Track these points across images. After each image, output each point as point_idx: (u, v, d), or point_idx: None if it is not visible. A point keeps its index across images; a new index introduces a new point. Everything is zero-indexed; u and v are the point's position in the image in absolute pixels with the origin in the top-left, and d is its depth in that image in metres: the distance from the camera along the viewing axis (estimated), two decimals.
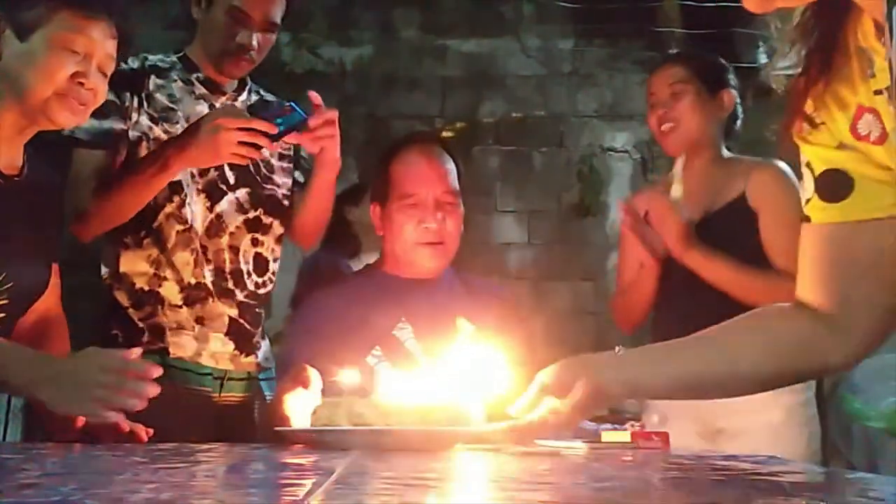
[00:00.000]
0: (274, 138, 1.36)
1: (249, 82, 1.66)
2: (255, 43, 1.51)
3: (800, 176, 0.90)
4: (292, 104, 1.40)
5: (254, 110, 1.43)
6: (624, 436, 1.13)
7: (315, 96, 1.41)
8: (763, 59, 3.80)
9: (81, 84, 1.22)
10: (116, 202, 1.44)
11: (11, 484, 0.53)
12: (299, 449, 0.96)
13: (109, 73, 1.28)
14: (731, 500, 0.52)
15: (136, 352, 1.11)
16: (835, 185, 0.84)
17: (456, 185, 1.52)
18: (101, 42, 1.23)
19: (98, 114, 1.40)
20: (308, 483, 0.62)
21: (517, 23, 4.22)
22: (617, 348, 0.96)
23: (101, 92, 1.26)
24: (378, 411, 0.95)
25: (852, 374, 3.12)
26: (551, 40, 4.19)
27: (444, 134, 3.98)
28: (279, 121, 1.35)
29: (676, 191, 1.57)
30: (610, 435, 1.16)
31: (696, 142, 1.65)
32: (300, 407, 1.04)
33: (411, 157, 1.50)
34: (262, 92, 1.69)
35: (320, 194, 1.56)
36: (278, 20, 1.55)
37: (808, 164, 0.87)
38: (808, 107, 0.85)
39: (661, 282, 1.69)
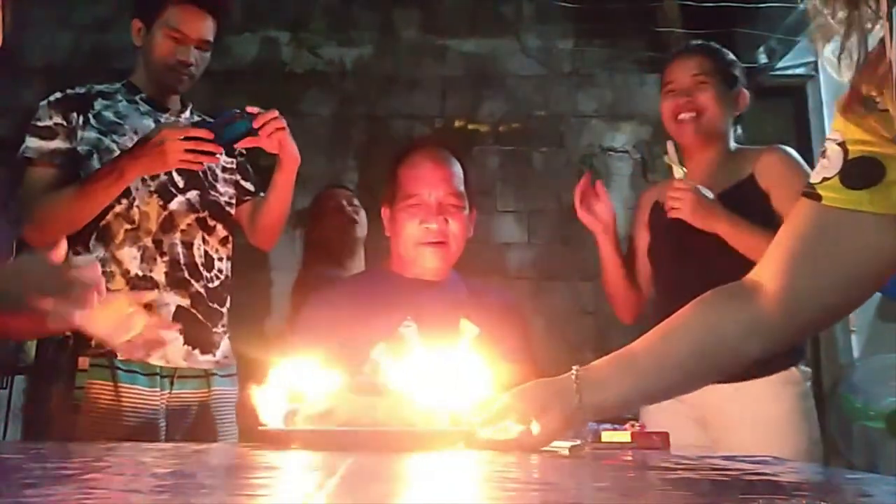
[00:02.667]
0: (220, 144, 1.51)
1: (190, 104, 1.83)
2: (192, 60, 1.70)
3: (820, 151, 0.87)
4: (235, 112, 1.55)
5: (199, 126, 1.58)
6: (624, 436, 1.14)
7: (253, 109, 1.57)
8: (763, 59, 3.80)
9: None
10: (74, 208, 1.56)
11: (11, 484, 0.53)
12: (297, 449, 0.96)
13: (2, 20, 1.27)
14: (731, 500, 0.52)
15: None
16: (865, 173, 0.81)
17: (461, 187, 1.54)
18: None
19: (45, 135, 1.62)
20: (310, 483, 0.62)
21: (517, 23, 4.22)
22: (574, 368, 0.96)
23: None
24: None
25: (852, 374, 3.13)
26: (551, 40, 4.19)
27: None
28: (227, 129, 1.51)
29: (678, 172, 1.62)
30: (610, 435, 1.16)
31: (712, 133, 1.69)
32: (269, 404, 1.04)
33: (416, 161, 1.55)
34: (202, 115, 1.85)
35: (279, 193, 1.70)
36: (210, 38, 1.73)
37: (841, 144, 0.83)
38: (874, 89, 0.78)
39: (658, 272, 1.76)
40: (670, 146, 1.66)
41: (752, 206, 1.60)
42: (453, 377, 1.03)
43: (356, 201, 2.59)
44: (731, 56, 1.79)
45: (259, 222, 1.78)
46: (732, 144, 1.75)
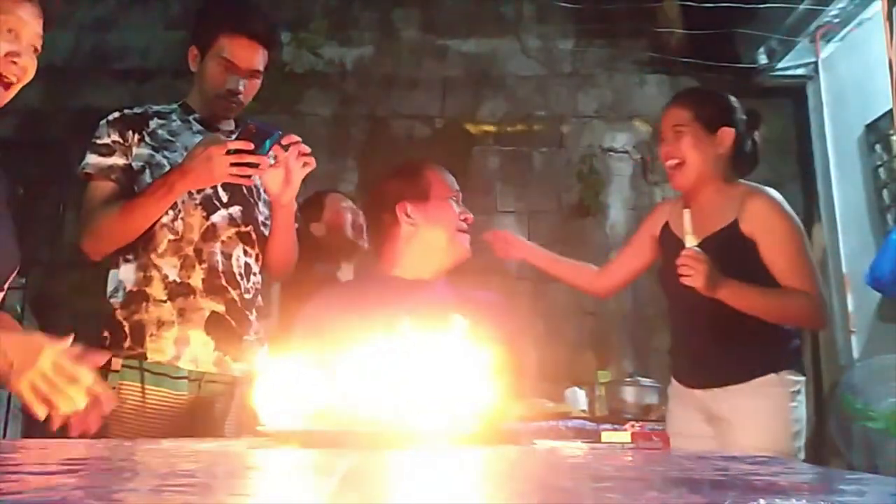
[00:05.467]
0: (260, 154, 1.55)
1: (242, 125, 1.86)
2: (241, 88, 1.74)
3: None
4: (270, 126, 1.60)
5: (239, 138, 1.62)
6: (624, 436, 1.14)
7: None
8: (763, 59, 3.81)
9: (14, 63, 1.27)
10: (127, 220, 1.63)
11: (11, 483, 0.53)
12: (296, 448, 0.96)
13: (39, 51, 1.32)
14: (731, 500, 0.52)
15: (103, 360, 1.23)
16: None
17: None
18: (29, 21, 1.28)
19: (103, 151, 1.69)
20: (310, 483, 0.63)
21: (517, 23, 4.23)
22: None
23: (31, 69, 1.31)
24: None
25: (852, 375, 3.13)
26: (551, 40, 4.19)
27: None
28: (264, 140, 1.56)
29: (690, 241, 1.72)
30: (610, 435, 1.16)
31: (699, 175, 1.82)
32: (268, 403, 1.04)
33: (440, 169, 1.71)
34: None
35: (280, 234, 1.76)
36: (261, 68, 1.77)
37: None
38: None
39: (669, 297, 1.92)
40: (686, 214, 1.75)
41: (735, 253, 1.74)
42: (450, 375, 1.03)
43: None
44: (718, 98, 1.90)
45: (266, 255, 1.81)
46: (730, 179, 1.84)
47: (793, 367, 1.78)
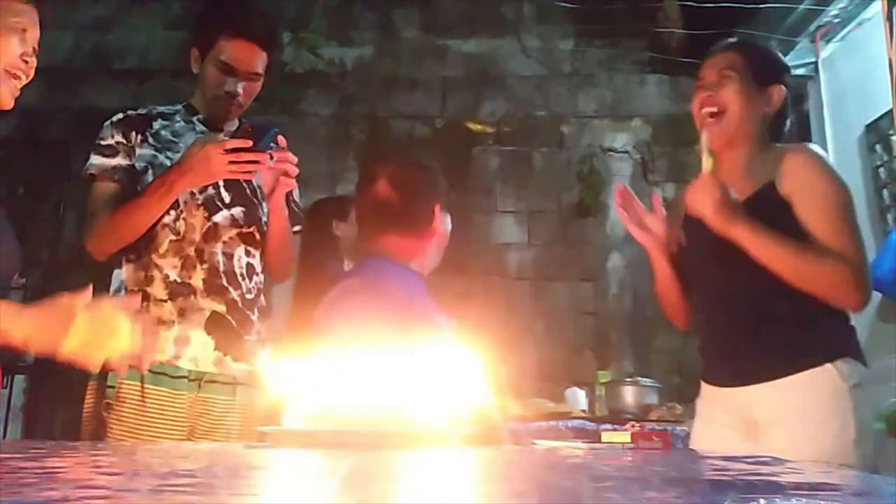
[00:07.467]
0: (255, 150, 1.57)
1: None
2: (239, 90, 1.74)
3: None
4: (268, 124, 1.64)
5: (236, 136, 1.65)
6: (624, 436, 1.14)
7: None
8: None
9: (26, 62, 1.32)
10: (130, 220, 1.64)
11: (11, 483, 0.53)
12: (296, 449, 0.96)
13: (37, 52, 1.38)
14: (731, 500, 0.52)
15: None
16: None
17: None
18: (35, 24, 1.34)
19: (107, 153, 1.71)
20: (310, 483, 0.63)
21: (517, 23, 4.23)
22: None
23: (33, 70, 1.35)
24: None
25: None
26: (551, 40, 4.20)
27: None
28: (262, 136, 1.58)
29: (707, 164, 1.52)
30: (610, 435, 1.16)
31: (737, 131, 1.59)
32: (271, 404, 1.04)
33: None
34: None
35: (273, 235, 1.78)
36: (260, 70, 1.77)
37: None
38: None
39: (683, 277, 1.68)
40: (704, 134, 1.56)
41: (772, 219, 1.49)
42: (452, 375, 1.03)
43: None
44: (772, 54, 1.72)
45: (265, 256, 1.82)
46: (767, 143, 1.63)
47: (849, 355, 1.50)
